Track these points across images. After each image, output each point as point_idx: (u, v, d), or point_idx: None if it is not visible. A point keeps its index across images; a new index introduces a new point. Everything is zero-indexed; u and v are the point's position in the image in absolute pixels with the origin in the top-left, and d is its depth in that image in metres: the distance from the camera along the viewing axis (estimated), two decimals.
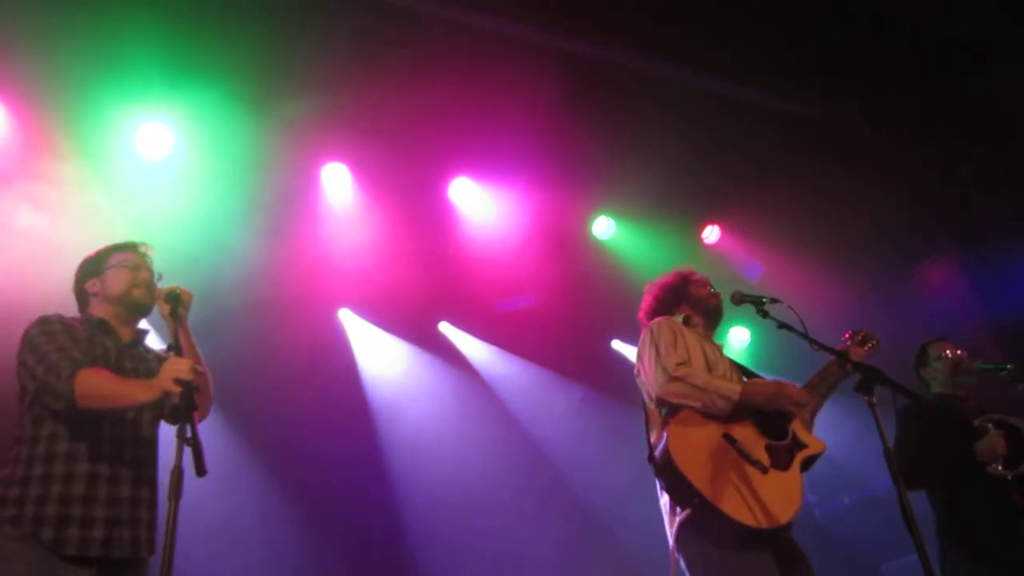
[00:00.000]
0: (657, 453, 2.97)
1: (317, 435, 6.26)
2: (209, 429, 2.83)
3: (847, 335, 3.52)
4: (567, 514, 7.09)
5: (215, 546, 5.41)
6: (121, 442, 2.72)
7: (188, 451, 2.40)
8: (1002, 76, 6.11)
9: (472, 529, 6.57)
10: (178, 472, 2.35)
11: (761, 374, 3.39)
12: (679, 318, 3.42)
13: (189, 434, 2.40)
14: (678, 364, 3.05)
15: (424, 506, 6.67)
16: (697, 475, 2.83)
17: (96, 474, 2.63)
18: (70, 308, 3.06)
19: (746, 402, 2.97)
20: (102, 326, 2.91)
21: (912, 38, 5.83)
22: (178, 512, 2.32)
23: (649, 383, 3.12)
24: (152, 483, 2.78)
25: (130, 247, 3.07)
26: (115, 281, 2.96)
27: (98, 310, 2.96)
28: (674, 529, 2.96)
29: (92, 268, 3.02)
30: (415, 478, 6.70)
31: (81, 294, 3.02)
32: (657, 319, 3.34)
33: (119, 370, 2.82)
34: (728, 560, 2.82)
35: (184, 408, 2.44)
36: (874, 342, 3.51)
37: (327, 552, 6.19)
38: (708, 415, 2.97)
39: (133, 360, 2.91)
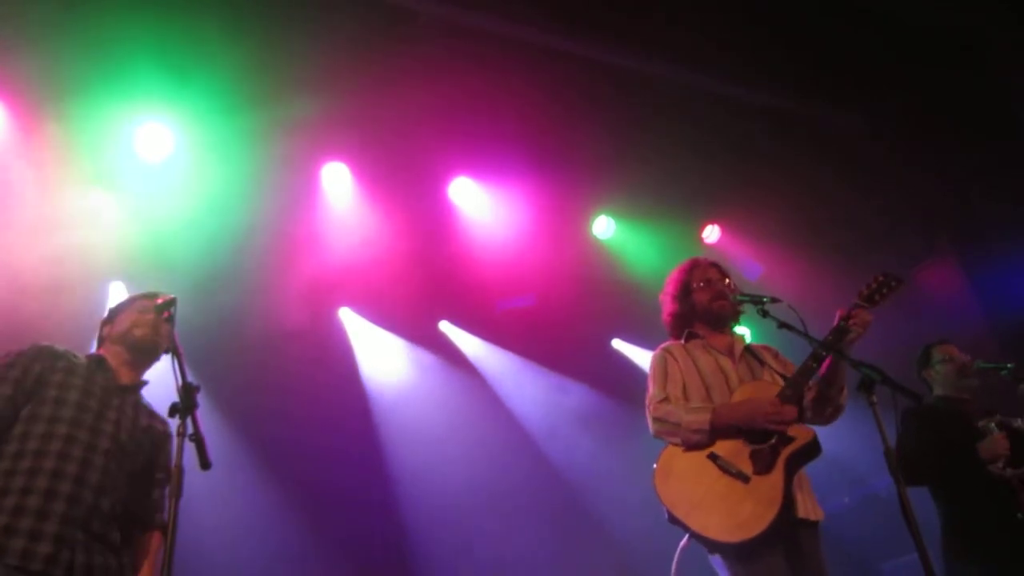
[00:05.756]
0: None
1: (317, 434, 6.25)
2: (210, 429, 2.82)
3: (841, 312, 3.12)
4: (567, 514, 7.09)
5: (215, 546, 5.41)
6: (88, 466, 2.69)
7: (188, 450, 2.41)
8: (1002, 75, 6.11)
9: (471, 527, 6.57)
10: (179, 470, 2.36)
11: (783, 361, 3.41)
12: (682, 339, 3.46)
13: (191, 430, 2.41)
14: (658, 403, 3.20)
15: (424, 505, 6.66)
16: (677, 502, 2.97)
17: (55, 490, 2.58)
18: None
19: (721, 427, 3.03)
20: (99, 363, 2.92)
21: (912, 37, 5.83)
22: (178, 511, 2.32)
23: None
24: (110, 518, 2.72)
25: (149, 295, 3.09)
26: (122, 322, 3.02)
27: (105, 351, 3.00)
28: (678, 552, 3.04)
29: (110, 315, 3.11)
30: (415, 477, 6.70)
31: (99, 341, 3.09)
32: (657, 349, 3.43)
33: (103, 407, 2.81)
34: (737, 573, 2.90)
35: (184, 406, 2.45)
36: (887, 290, 3.11)
37: (327, 551, 6.19)
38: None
39: (121, 401, 2.89)
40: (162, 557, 2.73)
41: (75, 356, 2.91)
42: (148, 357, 3.03)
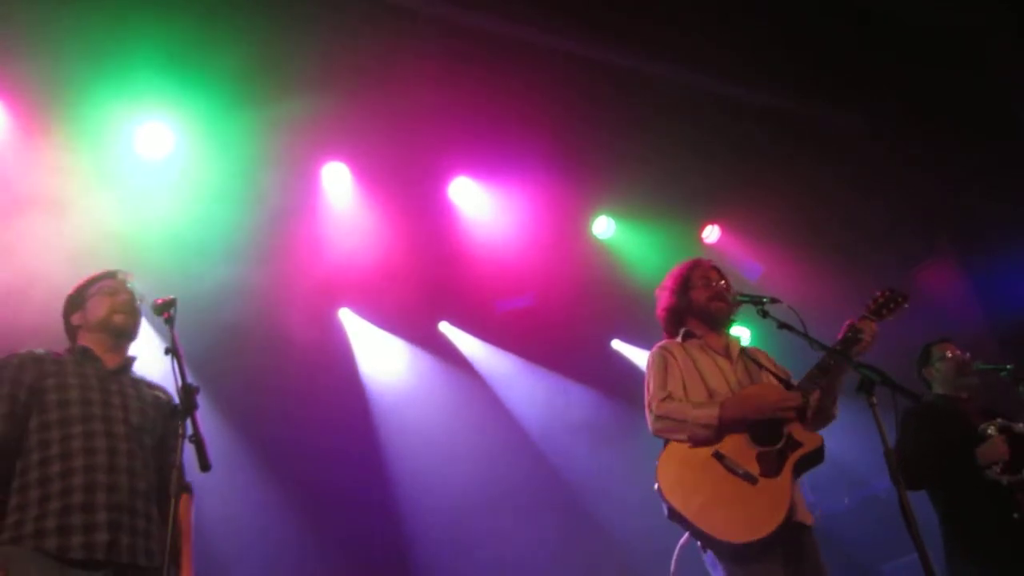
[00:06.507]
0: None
1: (317, 435, 6.25)
2: (210, 429, 2.82)
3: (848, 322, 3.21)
4: (567, 514, 7.09)
5: (215, 546, 5.41)
6: (115, 452, 2.72)
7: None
8: (1002, 75, 6.11)
9: (471, 528, 6.56)
10: (179, 471, 2.36)
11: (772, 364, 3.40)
12: (679, 338, 3.44)
13: (190, 431, 2.41)
14: (661, 400, 3.16)
15: (424, 505, 6.66)
16: (682, 500, 2.94)
17: (93, 483, 2.62)
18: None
19: (729, 421, 3.02)
20: (85, 354, 2.91)
21: (912, 37, 5.84)
22: (179, 510, 2.33)
23: None
24: (148, 496, 2.77)
25: (108, 275, 3.06)
26: (95, 308, 2.96)
27: (84, 340, 2.96)
28: (677, 550, 3.03)
29: (75, 302, 3.03)
30: (415, 477, 6.70)
31: (69, 330, 3.03)
32: (655, 347, 3.42)
33: (104, 395, 2.81)
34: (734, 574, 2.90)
35: (184, 407, 2.46)
36: (894, 305, 3.19)
37: (327, 551, 6.19)
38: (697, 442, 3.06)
39: (119, 384, 2.90)
40: (192, 520, 2.91)
41: (56, 354, 2.91)
42: (129, 340, 3.03)
